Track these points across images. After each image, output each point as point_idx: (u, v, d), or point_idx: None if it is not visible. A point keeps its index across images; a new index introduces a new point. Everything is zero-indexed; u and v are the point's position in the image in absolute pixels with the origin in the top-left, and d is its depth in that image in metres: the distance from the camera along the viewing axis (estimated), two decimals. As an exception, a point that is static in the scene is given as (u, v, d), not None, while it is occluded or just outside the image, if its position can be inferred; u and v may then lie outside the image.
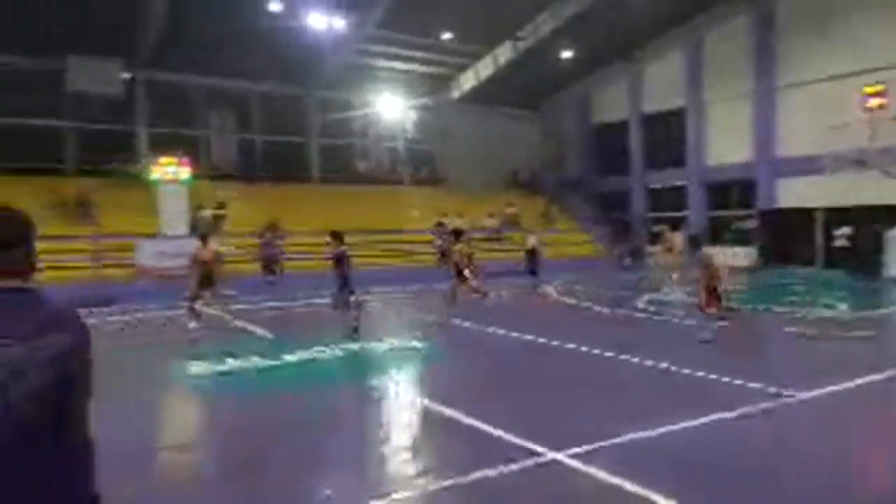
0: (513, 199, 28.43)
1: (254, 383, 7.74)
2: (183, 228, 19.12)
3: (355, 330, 10.18)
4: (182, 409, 7.27)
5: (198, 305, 10.35)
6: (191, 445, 5.87)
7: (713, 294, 9.37)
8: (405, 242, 23.09)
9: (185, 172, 19.47)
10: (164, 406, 7.21)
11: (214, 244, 11.60)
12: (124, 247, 17.75)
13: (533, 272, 18.19)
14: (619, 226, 28.77)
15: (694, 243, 11.89)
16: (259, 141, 26.41)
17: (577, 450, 5.04)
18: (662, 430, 5.51)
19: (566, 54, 27.42)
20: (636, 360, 8.29)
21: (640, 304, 13.94)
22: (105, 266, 16.60)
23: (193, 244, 11.13)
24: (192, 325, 10.15)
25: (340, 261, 10.27)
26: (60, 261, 16.61)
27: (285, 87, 25.96)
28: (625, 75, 29.45)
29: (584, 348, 9.17)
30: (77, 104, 22.04)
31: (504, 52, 27.11)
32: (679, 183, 27.78)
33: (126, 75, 22.07)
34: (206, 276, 10.19)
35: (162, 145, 22.38)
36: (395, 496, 4.40)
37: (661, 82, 28.08)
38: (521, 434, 5.41)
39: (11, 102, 21.34)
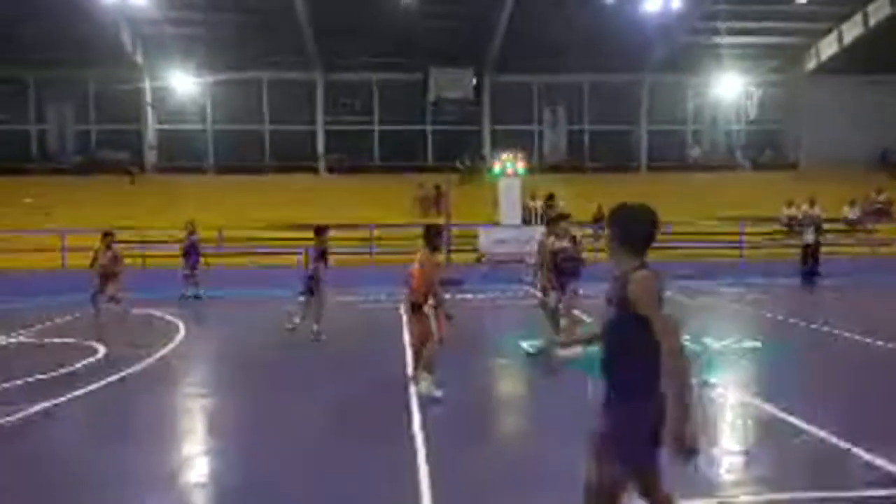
0: (882, 183, 23.75)
1: (578, 365, 8.13)
2: (517, 218, 20.74)
3: None
4: (507, 380, 8.05)
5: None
6: (496, 413, 6.50)
7: None
8: (738, 234, 21.15)
9: (521, 166, 21.03)
10: (494, 376, 8.08)
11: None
12: (469, 234, 20.02)
13: (812, 273, 15.10)
14: None
15: None
16: (587, 132, 27.01)
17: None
18: None
19: (971, -1, 21.75)
20: None
21: None
22: (454, 251, 18.98)
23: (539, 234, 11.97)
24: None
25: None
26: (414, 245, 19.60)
27: (616, 76, 25.99)
28: None
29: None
30: (435, 109, 25.64)
31: (879, 8, 22.74)
32: None
33: (474, 80, 24.87)
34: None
35: (501, 141, 24.59)
36: (732, 499, 4.27)
37: None
38: (888, 458, 4.70)
39: (389, 112, 26.05)
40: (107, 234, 11.04)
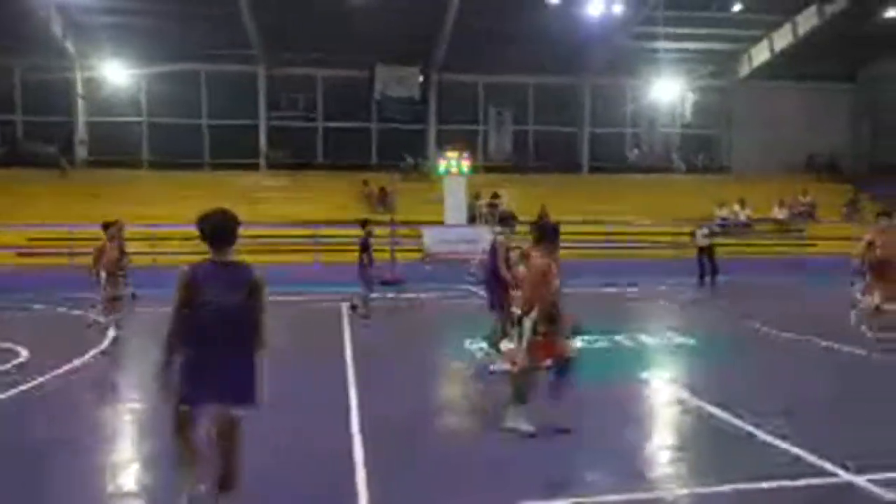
0: (807, 186, 25.01)
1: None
2: (462, 218, 20.84)
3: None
4: (452, 381, 8.06)
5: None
6: (445, 412, 6.52)
7: None
8: (672, 234, 21.85)
9: (465, 165, 21.14)
10: (438, 377, 8.08)
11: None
12: (414, 233, 19.99)
13: (702, 276, 15.91)
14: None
15: None
16: (532, 132, 27.35)
17: (882, 476, 4.43)
18: None
19: (890, 13, 23.08)
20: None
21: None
22: (398, 250, 18.91)
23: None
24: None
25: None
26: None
27: (560, 78, 26.40)
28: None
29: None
30: (381, 107, 25.43)
31: (807, 19, 23.84)
32: None
33: (421, 79, 24.82)
34: None
35: (447, 140, 24.62)
36: (661, 493, 4.39)
37: None
38: (808, 449, 4.94)
39: (334, 109, 25.70)
40: (110, 225, 9.38)
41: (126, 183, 22.31)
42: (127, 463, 5.13)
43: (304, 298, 13.58)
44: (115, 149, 24.69)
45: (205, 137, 25.32)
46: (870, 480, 4.39)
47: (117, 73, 23.78)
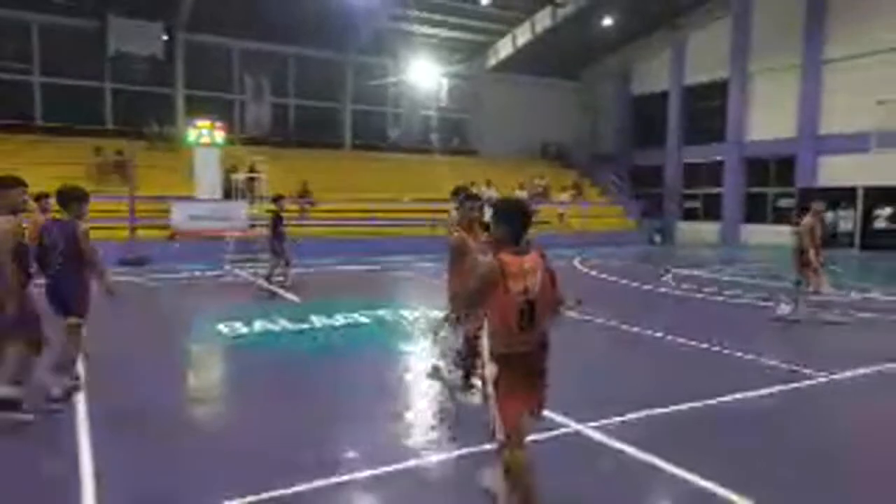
0: (543, 170, 28.12)
1: (276, 346, 7.90)
2: (216, 191, 19.37)
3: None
4: (200, 367, 7.46)
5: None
6: (192, 402, 6.04)
7: None
8: (433, 212, 23.03)
9: (219, 136, 19.65)
10: (185, 364, 7.41)
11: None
12: (160, 208, 18.09)
13: None
14: (651, 201, 28.61)
15: None
16: (292, 106, 26.45)
17: (601, 422, 5.07)
18: (687, 405, 5.52)
19: (607, 22, 26.73)
20: (658, 334, 8.24)
21: (668, 280, 13.80)
22: (141, 227, 16.98)
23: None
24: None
25: None
26: (98, 220, 17.11)
27: (321, 52, 25.83)
28: (667, 45, 28.63)
29: (610, 321, 9.14)
30: (116, 65, 22.32)
31: (542, 19, 26.51)
32: (717, 158, 27.14)
33: (165, 37, 22.27)
34: None
35: (198, 108, 22.60)
36: (409, 462, 4.48)
37: (705, 53, 27.27)
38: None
39: (56, 62, 21.85)
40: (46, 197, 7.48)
41: None
42: None
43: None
44: None
45: None
46: (593, 427, 5.00)
47: None
